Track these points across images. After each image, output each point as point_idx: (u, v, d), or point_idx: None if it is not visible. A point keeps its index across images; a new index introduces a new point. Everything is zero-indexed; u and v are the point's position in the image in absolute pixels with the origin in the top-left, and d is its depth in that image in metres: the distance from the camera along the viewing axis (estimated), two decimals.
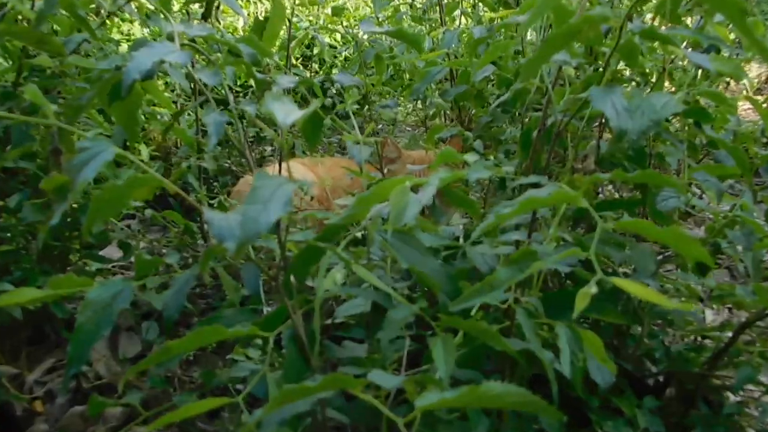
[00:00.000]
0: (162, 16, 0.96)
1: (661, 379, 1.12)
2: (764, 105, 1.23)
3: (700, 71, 1.28)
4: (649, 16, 1.08)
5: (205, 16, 1.41)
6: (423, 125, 3.08)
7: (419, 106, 3.70)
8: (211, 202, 1.65)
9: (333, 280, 0.74)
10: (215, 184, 1.95)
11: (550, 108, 1.05)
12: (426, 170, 1.95)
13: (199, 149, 1.61)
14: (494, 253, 1.02)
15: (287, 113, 0.61)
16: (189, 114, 2.17)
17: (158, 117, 2.02)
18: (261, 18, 1.77)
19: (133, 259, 1.64)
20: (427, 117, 2.55)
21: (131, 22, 2.80)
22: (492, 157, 1.51)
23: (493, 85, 2.01)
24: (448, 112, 2.36)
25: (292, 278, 0.75)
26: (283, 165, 1.80)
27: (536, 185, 0.83)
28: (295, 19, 2.77)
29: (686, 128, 1.14)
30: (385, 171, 2.06)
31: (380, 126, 4.09)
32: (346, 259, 0.72)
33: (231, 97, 0.86)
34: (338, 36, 3.89)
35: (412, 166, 1.37)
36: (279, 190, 0.59)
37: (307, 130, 1.08)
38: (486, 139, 1.79)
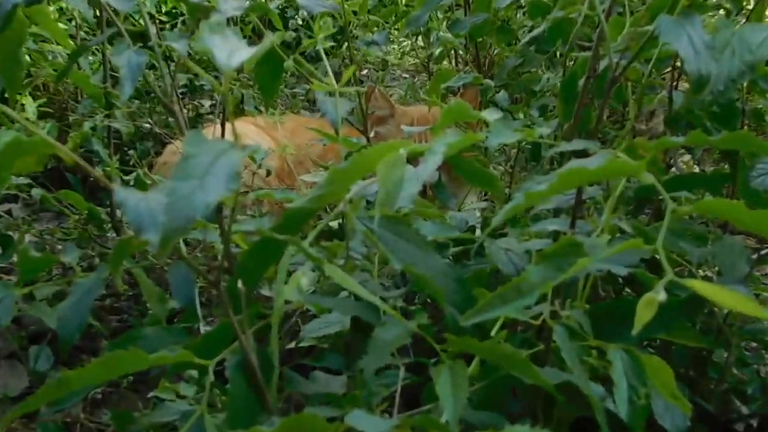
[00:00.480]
0: None
1: (754, 423, 1.13)
2: None
3: None
4: None
5: None
6: (425, 70, 3.08)
7: (419, 43, 3.70)
8: (126, 177, 1.65)
9: (297, 286, 0.74)
10: (131, 152, 1.95)
11: (603, 46, 1.05)
12: (428, 133, 1.96)
13: (108, 103, 1.61)
14: (523, 248, 1.03)
15: (232, 52, 0.62)
16: (93, 53, 2.16)
17: (49, 57, 2.01)
18: None
19: (15, 257, 1.64)
20: (431, 59, 2.55)
21: None
22: (522, 115, 1.53)
23: (523, 14, 2.02)
24: (459, 51, 2.36)
25: (239, 284, 0.76)
26: (228, 126, 1.80)
27: (583, 153, 0.83)
28: None
29: None
30: (372, 134, 2.07)
31: (365, 71, 4.10)
32: (316, 258, 0.73)
33: (153, 30, 0.86)
34: None
35: (409, 128, 1.37)
36: (221, 161, 0.60)
37: (261, 76, 1.08)
38: (514, 89, 1.80)
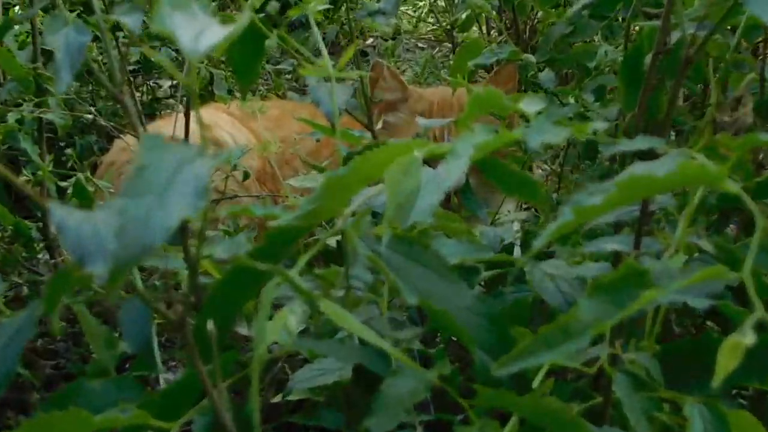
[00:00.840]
0: None
1: None
2: None
3: None
4: None
5: None
6: (448, 40, 3.10)
7: (440, 2, 3.71)
8: (63, 183, 1.66)
9: (284, 326, 0.75)
10: (68, 150, 1.96)
11: (674, 13, 1.06)
12: (452, 127, 1.97)
13: (39, 88, 1.62)
14: (574, 273, 1.04)
15: (199, 33, 0.63)
16: (21, 27, 2.17)
17: None
18: None
19: None
20: (455, 26, 2.57)
21: None
22: (572, 99, 1.54)
23: None
24: (491, 17, 2.38)
25: (209, 324, 0.76)
26: (193, 117, 1.81)
27: (649, 154, 0.84)
28: None
29: None
30: (379, 125, 2.08)
31: (370, 40, 4.12)
32: (307, 292, 0.74)
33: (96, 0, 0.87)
34: None
35: (427, 121, 1.38)
36: (184, 171, 0.61)
37: (236, 58, 1.09)
38: (562, 65, 1.81)
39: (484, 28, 2.51)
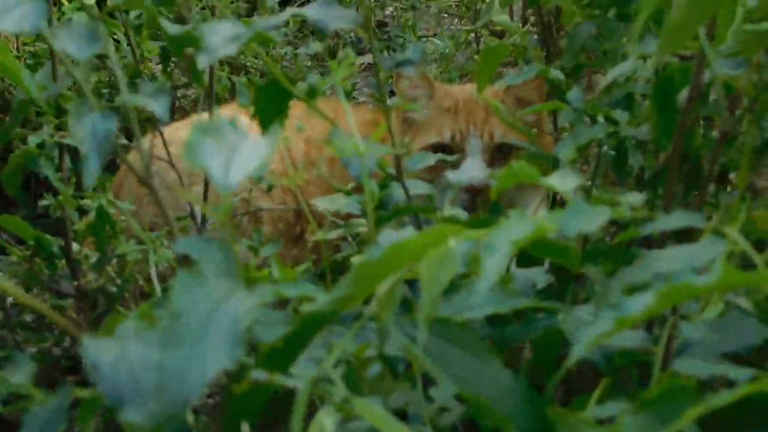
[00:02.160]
0: None
1: None
2: None
3: None
4: None
5: None
6: (470, 14, 3.05)
7: None
8: (83, 203, 1.66)
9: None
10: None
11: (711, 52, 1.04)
12: (477, 123, 1.96)
13: (59, 109, 1.62)
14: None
15: (228, 162, 0.62)
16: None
17: None
18: None
19: None
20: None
21: None
22: (601, 117, 1.52)
23: None
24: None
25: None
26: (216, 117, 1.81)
27: (686, 233, 0.83)
28: None
29: None
30: (399, 119, 2.06)
31: (389, 11, 4.08)
32: (342, 406, 0.74)
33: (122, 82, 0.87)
34: None
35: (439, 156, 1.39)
36: (221, 313, 0.60)
37: (261, 109, 1.09)
38: (584, 64, 1.78)
39: (508, 14, 2.48)
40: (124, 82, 0.88)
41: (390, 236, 1.17)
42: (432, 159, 1.44)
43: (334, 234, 1.39)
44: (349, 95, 3.22)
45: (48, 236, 1.78)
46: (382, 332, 0.86)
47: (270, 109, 1.08)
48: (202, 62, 0.91)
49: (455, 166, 1.93)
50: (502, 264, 0.75)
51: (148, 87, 0.87)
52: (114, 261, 1.64)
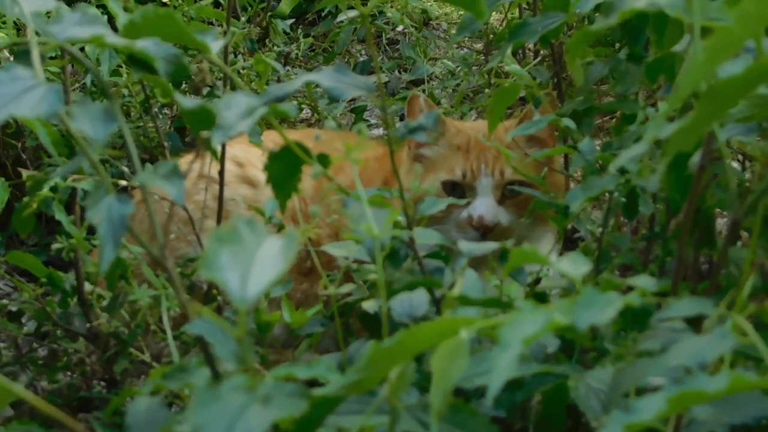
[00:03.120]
0: None
1: None
2: None
3: None
4: None
5: None
6: (484, 42, 3.06)
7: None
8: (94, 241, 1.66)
9: None
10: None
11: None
12: (488, 159, 1.96)
13: (72, 151, 1.62)
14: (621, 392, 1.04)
15: (246, 274, 0.63)
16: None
17: None
18: None
19: None
20: (491, 42, 2.54)
21: None
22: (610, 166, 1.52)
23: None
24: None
25: None
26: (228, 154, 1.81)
27: (696, 320, 0.84)
28: None
29: None
30: (409, 155, 2.06)
31: (400, 28, 4.07)
32: None
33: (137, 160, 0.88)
34: None
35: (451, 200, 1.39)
36: (240, 424, 0.61)
37: (274, 173, 1.10)
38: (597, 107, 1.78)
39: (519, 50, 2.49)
40: (138, 161, 0.89)
41: (402, 304, 1.19)
42: (443, 204, 1.44)
43: (345, 289, 1.40)
44: (360, 116, 3.23)
45: (60, 273, 1.79)
46: (394, 416, 0.87)
47: (283, 175, 1.09)
48: (216, 140, 0.92)
49: (467, 203, 1.94)
50: (513, 362, 0.76)
51: (163, 168, 0.88)
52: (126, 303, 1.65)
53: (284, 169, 1.10)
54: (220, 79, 1.86)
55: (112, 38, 0.91)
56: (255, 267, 0.65)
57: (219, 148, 1.67)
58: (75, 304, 1.79)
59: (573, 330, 0.97)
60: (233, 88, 1.11)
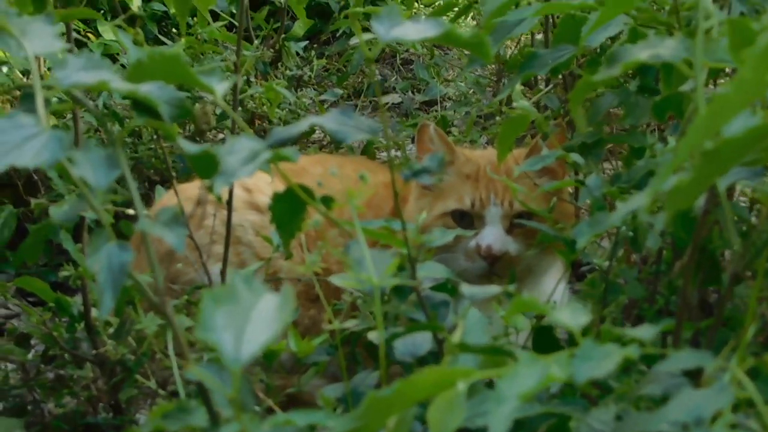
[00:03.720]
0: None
1: None
2: None
3: None
4: None
5: None
6: (500, 70, 3.06)
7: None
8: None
9: None
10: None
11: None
12: (498, 189, 1.96)
13: None
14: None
15: (240, 336, 0.63)
16: None
17: None
18: None
19: None
20: (503, 68, 2.54)
21: None
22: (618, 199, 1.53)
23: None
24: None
25: None
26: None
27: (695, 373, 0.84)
28: None
29: None
30: (421, 186, 2.06)
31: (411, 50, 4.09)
32: None
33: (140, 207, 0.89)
34: None
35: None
36: None
37: (279, 213, 1.11)
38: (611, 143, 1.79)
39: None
40: (142, 208, 0.90)
41: (405, 342, 1.19)
42: (450, 235, 1.44)
43: (351, 324, 1.40)
44: (370, 145, 3.24)
45: (67, 298, 1.81)
46: None
47: (288, 216, 1.10)
48: (218, 187, 0.92)
49: (475, 233, 1.95)
50: (509, 417, 0.76)
51: (165, 215, 0.89)
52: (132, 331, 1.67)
53: (288, 209, 1.11)
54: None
55: (117, 83, 0.92)
56: (250, 326, 0.65)
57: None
58: (82, 329, 1.81)
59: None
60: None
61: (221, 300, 0.66)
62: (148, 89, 0.94)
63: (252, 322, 0.66)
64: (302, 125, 1.05)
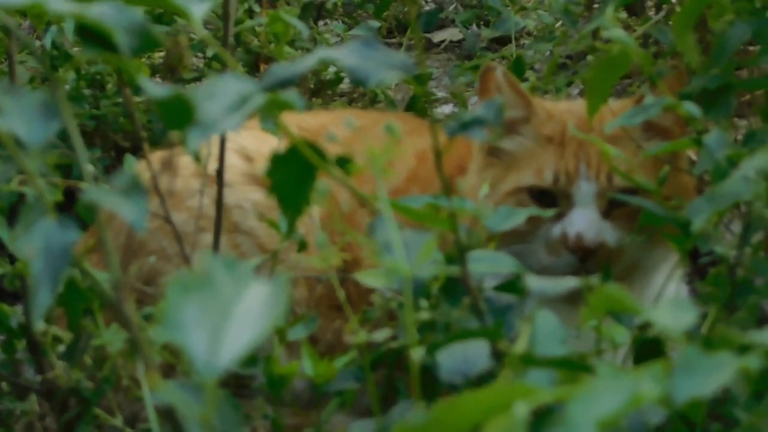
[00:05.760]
0: None
1: None
2: None
3: None
4: None
5: None
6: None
7: None
8: None
9: None
10: None
11: None
12: (590, 158, 1.92)
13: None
14: None
15: (217, 335, 0.65)
16: None
17: None
18: None
19: None
20: None
21: None
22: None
23: None
24: None
25: None
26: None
27: None
28: None
29: None
30: (485, 152, 2.03)
31: None
32: None
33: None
34: None
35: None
36: None
37: (279, 186, 1.11)
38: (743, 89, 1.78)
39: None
40: (90, 175, 0.91)
41: (454, 358, 1.19)
42: (523, 215, 1.43)
43: (381, 335, 1.40)
44: (420, 88, 3.23)
45: (4, 306, 1.82)
46: None
47: (292, 185, 1.10)
48: (193, 142, 0.93)
49: (560, 216, 1.91)
50: None
51: (121, 180, 0.90)
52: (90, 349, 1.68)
53: (293, 176, 1.10)
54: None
55: (57, 4, 0.93)
56: (231, 324, 0.66)
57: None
58: (24, 348, 1.82)
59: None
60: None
61: (193, 288, 0.67)
62: (100, 11, 0.94)
63: (234, 319, 0.66)
64: (308, 61, 1.05)
